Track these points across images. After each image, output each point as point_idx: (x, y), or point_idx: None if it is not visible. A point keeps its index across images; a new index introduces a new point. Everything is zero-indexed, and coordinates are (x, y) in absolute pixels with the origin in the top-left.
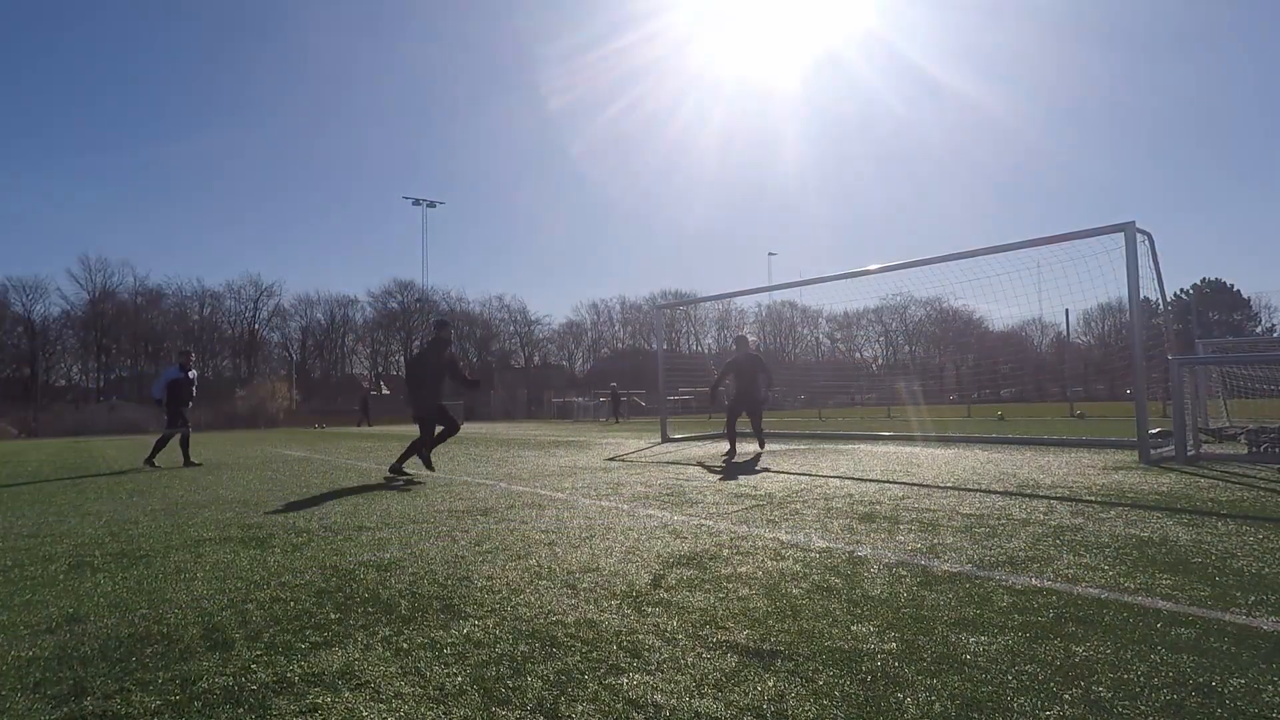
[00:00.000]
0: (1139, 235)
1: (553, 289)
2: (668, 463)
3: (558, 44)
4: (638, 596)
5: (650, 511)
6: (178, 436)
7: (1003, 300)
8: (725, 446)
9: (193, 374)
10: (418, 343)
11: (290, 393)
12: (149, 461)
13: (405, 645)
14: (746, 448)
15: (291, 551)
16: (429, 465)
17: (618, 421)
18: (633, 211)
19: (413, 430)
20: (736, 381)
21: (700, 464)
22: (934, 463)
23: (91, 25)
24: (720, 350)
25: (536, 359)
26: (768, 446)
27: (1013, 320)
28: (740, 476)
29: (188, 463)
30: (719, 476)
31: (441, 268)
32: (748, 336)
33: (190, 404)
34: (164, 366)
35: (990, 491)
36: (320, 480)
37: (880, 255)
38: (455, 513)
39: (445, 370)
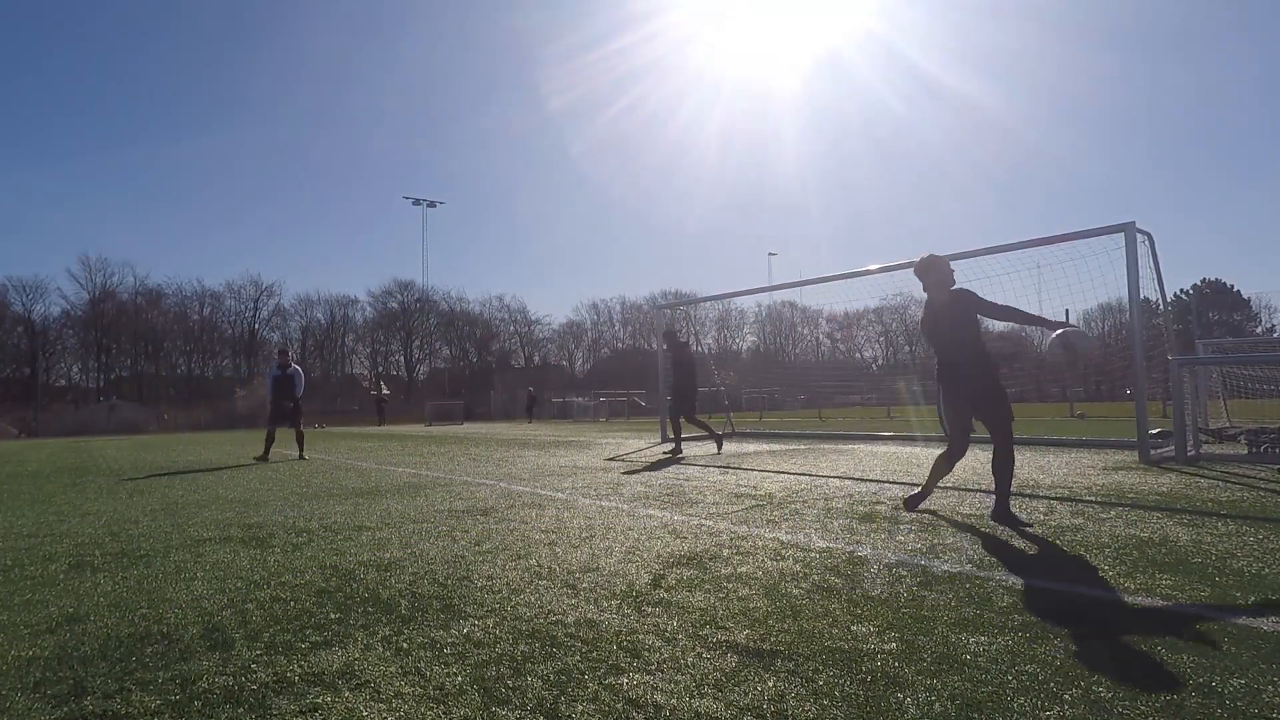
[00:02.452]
0: (1139, 235)
1: (553, 289)
2: (667, 462)
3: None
4: (638, 596)
5: (650, 511)
6: (289, 431)
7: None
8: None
9: (291, 370)
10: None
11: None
12: (262, 457)
13: (405, 645)
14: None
15: (291, 551)
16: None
17: (530, 421)
18: (633, 211)
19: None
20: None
21: (700, 464)
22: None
23: (91, 25)
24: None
25: (536, 359)
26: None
27: None
28: (740, 476)
29: (301, 455)
30: (719, 476)
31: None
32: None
33: (292, 402)
34: (266, 366)
35: (990, 492)
36: (320, 480)
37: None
38: (455, 513)
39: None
